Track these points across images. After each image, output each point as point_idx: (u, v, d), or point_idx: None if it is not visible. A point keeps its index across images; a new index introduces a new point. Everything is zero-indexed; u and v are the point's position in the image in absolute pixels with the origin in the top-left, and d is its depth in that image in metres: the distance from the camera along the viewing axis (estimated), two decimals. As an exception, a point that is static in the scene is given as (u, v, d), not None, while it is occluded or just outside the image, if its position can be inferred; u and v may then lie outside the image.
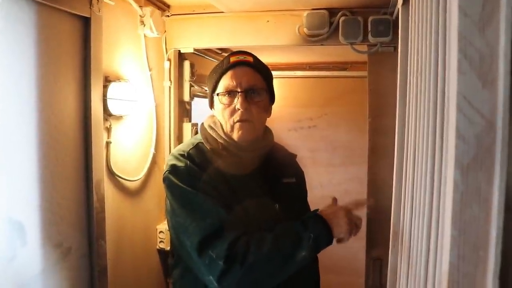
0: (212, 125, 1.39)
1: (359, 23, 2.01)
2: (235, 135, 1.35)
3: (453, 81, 0.67)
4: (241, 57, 1.37)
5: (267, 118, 1.45)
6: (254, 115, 1.34)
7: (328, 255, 3.81)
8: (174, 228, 1.29)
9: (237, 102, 1.32)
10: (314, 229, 1.23)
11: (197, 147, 1.35)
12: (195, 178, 1.26)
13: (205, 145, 1.36)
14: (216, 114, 1.40)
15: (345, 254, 3.45)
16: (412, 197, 1.15)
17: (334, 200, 1.42)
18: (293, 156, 1.58)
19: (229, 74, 1.34)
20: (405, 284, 1.18)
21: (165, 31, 2.27)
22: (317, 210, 1.35)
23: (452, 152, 0.67)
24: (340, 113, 3.48)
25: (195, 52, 2.40)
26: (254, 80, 1.35)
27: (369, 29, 1.99)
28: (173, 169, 1.28)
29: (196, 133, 1.48)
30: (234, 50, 2.95)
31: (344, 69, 3.46)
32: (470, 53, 0.66)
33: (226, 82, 1.34)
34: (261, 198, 1.34)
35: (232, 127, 1.34)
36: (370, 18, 1.99)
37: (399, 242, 1.33)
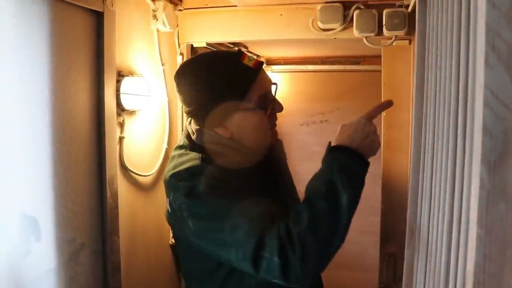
0: (233, 145, 1.24)
1: (374, 16, 1.98)
2: (273, 139, 1.30)
3: (480, 74, 0.65)
4: (253, 58, 1.25)
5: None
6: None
7: (340, 251, 3.79)
8: (208, 248, 1.14)
9: (275, 105, 1.26)
10: (338, 163, 1.08)
11: (203, 165, 1.18)
12: (216, 186, 1.13)
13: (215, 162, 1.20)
14: (242, 128, 1.23)
15: (356, 249, 3.43)
16: (430, 193, 1.12)
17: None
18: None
19: (260, 80, 1.22)
20: (422, 281, 1.16)
21: (178, 26, 2.26)
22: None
23: (478, 148, 0.65)
24: (353, 108, 3.44)
25: (207, 46, 2.38)
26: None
27: (384, 22, 1.95)
28: (188, 191, 1.13)
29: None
30: (247, 44, 2.96)
31: (357, 63, 3.43)
32: (498, 46, 0.63)
33: (261, 90, 1.22)
34: (274, 193, 1.29)
35: (268, 134, 1.27)
36: (385, 11, 1.96)
37: (415, 239, 1.31)
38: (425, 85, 1.29)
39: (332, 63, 3.46)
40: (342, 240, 1.07)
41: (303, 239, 1.01)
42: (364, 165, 1.11)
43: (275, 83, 1.33)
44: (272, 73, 3.61)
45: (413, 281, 1.33)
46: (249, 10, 2.18)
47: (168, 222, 1.28)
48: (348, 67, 3.41)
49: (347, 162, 1.08)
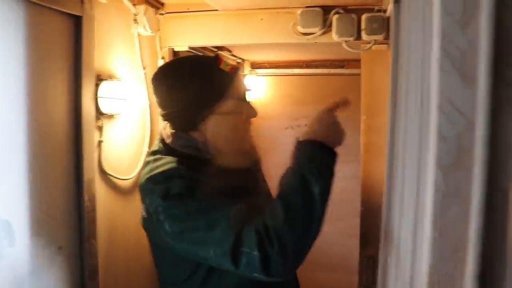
0: (207, 149, 1.26)
1: (353, 20, 2.00)
2: (249, 144, 1.32)
3: (435, 79, 0.67)
4: (230, 63, 1.27)
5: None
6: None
7: (324, 253, 3.82)
8: (186, 249, 1.16)
9: (251, 110, 1.29)
10: (307, 156, 1.12)
11: (178, 167, 1.20)
12: (191, 187, 1.15)
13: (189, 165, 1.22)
14: (216, 133, 1.25)
15: (341, 251, 3.45)
16: (401, 197, 1.14)
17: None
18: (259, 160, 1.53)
19: (236, 85, 1.25)
20: (393, 284, 1.18)
21: (159, 30, 2.26)
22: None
23: (433, 152, 0.66)
24: (337, 111, 3.46)
25: (190, 50, 2.39)
26: None
27: (363, 27, 1.98)
28: (164, 193, 1.15)
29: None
30: (231, 48, 2.97)
31: (341, 67, 3.46)
32: (452, 52, 0.65)
33: (236, 94, 1.25)
34: (250, 194, 1.30)
35: (243, 139, 1.29)
36: (364, 16, 1.98)
37: (388, 241, 1.32)
38: (398, 89, 1.31)
39: (316, 66, 3.49)
40: (318, 230, 1.10)
41: (280, 233, 1.04)
42: (332, 155, 1.15)
43: (250, 89, 1.35)
44: (257, 76, 3.62)
45: (385, 284, 1.35)
46: (230, 14, 2.20)
47: (144, 228, 1.28)
48: (332, 70, 3.44)
49: (315, 154, 1.12)
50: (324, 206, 1.10)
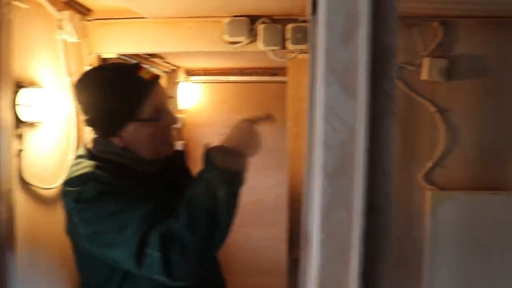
0: (127, 154, 1.29)
1: (279, 30, 2.06)
2: (168, 151, 1.35)
3: (320, 92, 0.71)
4: (150, 72, 1.30)
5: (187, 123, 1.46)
6: (171, 129, 1.37)
7: (259, 258, 3.85)
8: (100, 251, 1.18)
9: (171, 118, 1.32)
10: (214, 161, 1.15)
11: (95, 171, 1.21)
12: (104, 190, 1.17)
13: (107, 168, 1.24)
14: (135, 139, 1.27)
15: (274, 256, 3.51)
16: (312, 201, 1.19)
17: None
18: (182, 153, 1.58)
19: (155, 93, 1.27)
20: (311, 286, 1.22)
21: (86, 36, 2.23)
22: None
23: (319, 159, 0.70)
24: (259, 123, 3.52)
25: (121, 57, 2.37)
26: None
27: (288, 36, 2.04)
28: (78, 196, 1.17)
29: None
30: (163, 55, 2.96)
31: (275, 74, 3.53)
32: (335, 66, 0.69)
33: (155, 102, 1.27)
34: (169, 200, 1.33)
35: (164, 145, 1.33)
36: (289, 26, 2.05)
37: (306, 243, 1.37)
38: (313, 97, 1.37)
39: (250, 74, 3.54)
40: (223, 235, 1.15)
41: (182, 236, 1.08)
42: (241, 162, 1.20)
43: (171, 97, 1.38)
44: (192, 83, 3.63)
45: (305, 285, 1.39)
46: (159, 22, 2.20)
47: (66, 233, 1.30)
48: (266, 78, 3.50)
49: (223, 160, 1.16)
50: (231, 211, 1.15)
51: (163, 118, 1.30)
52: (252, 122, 1.28)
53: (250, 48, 2.11)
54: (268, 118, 1.33)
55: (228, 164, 1.16)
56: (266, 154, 3.56)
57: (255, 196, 3.58)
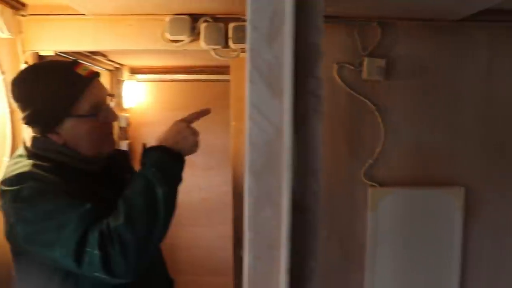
0: (66, 151, 1.27)
1: (220, 29, 2.05)
2: (106, 149, 1.33)
3: (247, 91, 0.71)
4: (88, 68, 1.30)
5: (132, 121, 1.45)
6: (112, 126, 1.36)
7: (209, 257, 3.84)
8: (38, 251, 1.16)
9: (108, 115, 1.30)
10: (151, 160, 1.19)
11: (32, 170, 1.19)
12: (43, 189, 1.15)
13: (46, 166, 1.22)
14: (74, 136, 1.26)
15: (224, 255, 3.50)
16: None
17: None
18: (127, 153, 1.60)
19: (91, 89, 1.26)
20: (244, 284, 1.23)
21: (21, 32, 2.14)
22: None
23: (246, 158, 0.70)
24: (218, 117, 3.51)
25: (60, 55, 2.29)
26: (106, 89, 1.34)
27: (230, 35, 2.04)
28: (15, 195, 1.15)
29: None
30: (105, 53, 2.89)
31: (221, 73, 3.51)
32: (260, 65, 0.70)
33: (92, 99, 1.26)
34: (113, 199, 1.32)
35: (102, 142, 1.31)
36: (231, 25, 2.04)
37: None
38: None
39: (197, 72, 3.52)
40: (162, 233, 1.17)
41: (120, 233, 1.09)
42: (178, 161, 1.23)
43: (111, 94, 1.36)
44: (137, 82, 3.57)
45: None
46: (99, 19, 2.14)
47: (5, 237, 1.24)
48: (212, 76, 3.49)
49: (161, 159, 1.20)
50: (169, 208, 1.17)
51: (101, 115, 1.29)
52: (188, 121, 1.31)
53: (192, 46, 2.09)
54: (203, 112, 1.35)
55: (165, 163, 1.19)
56: (213, 152, 3.57)
57: (203, 194, 3.57)
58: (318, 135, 0.73)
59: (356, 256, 2.23)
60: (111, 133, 1.36)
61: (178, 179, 1.22)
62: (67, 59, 2.26)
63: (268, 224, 0.71)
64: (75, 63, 1.30)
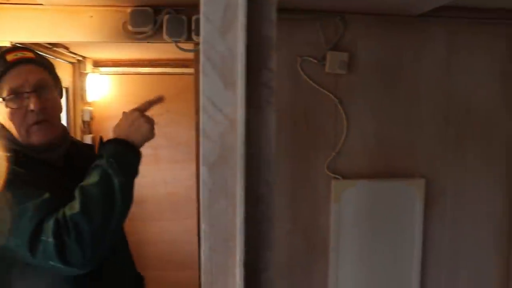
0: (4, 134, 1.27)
1: (183, 21, 2.03)
2: (35, 139, 1.27)
3: (200, 83, 0.71)
4: (19, 54, 1.27)
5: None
6: (50, 113, 1.29)
7: (176, 251, 3.82)
8: None
9: (30, 103, 1.24)
10: (107, 152, 1.21)
11: None
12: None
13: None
14: (2, 120, 1.27)
15: (191, 249, 3.49)
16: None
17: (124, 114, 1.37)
18: (92, 147, 1.58)
19: (11, 74, 1.24)
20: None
21: (-25, 22, 2.07)
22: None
23: (200, 150, 0.70)
24: (182, 110, 3.50)
25: (20, 46, 2.22)
26: (41, 76, 1.29)
27: (193, 27, 2.02)
28: None
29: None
30: (67, 44, 2.83)
31: (187, 66, 3.49)
32: (213, 56, 0.70)
33: (10, 83, 1.24)
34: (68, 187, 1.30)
35: (28, 131, 1.26)
36: (194, 17, 2.03)
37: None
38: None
39: (161, 65, 3.49)
40: (118, 223, 1.19)
41: (76, 222, 1.11)
42: (133, 152, 1.25)
43: (44, 83, 1.31)
44: (101, 75, 3.51)
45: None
46: (58, 9, 2.09)
47: None
48: (177, 70, 3.46)
49: (116, 150, 1.22)
50: (126, 198, 1.19)
51: (20, 102, 1.25)
52: (140, 110, 1.32)
53: (155, 39, 2.07)
54: (156, 100, 1.39)
55: (121, 154, 1.22)
56: (179, 146, 3.56)
57: (168, 188, 3.56)
58: (271, 126, 0.73)
59: (320, 247, 2.26)
60: (37, 123, 1.28)
61: (134, 170, 1.24)
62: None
63: (223, 216, 0.71)
64: (9, 49, 1.30)
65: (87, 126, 3.42)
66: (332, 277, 2.26)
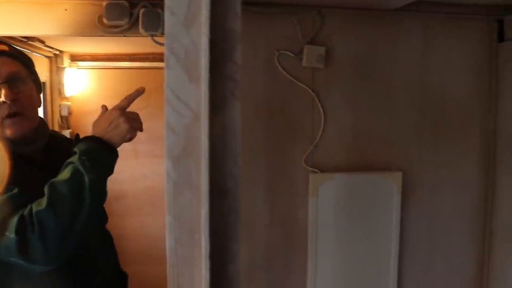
0: None
1: (160, 15, 2.02)
2: (8, 132, 1.26)
3: (164, 76, 0.71)
4: None
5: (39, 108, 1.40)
6: (24, 106, 1.27)
7: (157, 246, 3.82)
8: None
9: (1, 94, 1.23)
10: (81, 149, 1.19)
11: None
12: None
13: None
14: None
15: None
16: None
17: (103, 107, 1.37)
18: (72, 141, 1.55)
19: None
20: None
21: None
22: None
23: (165, 143, 0.71)
24: (161, 104, 3.45)
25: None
26: (14, 69, 1.27)
27: (169, 21, 2.01)
28: None
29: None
30: (43, 38, 2.79)
31: (165, 60, 3.47)
32: (177, 50, 0.70)
33: None
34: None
35: (2, 124, 1.25)
36: (170, 11, 2.01)
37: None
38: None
39: (141, 60, 3.46)
40: (87, 221, 1.16)
41: (41, 218, 1.09)
42: (108, 151, 1.22)
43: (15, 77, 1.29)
44: (79, 69, 3.47)
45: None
46: (32, 2, 2.06)
47: None
48: (156, 64, 3.44)
49: (90, 148, 1.20)
50: (96, 197, 1.17)
51: None
52: (120, 108, 1.30)
53: (131, 33, 2.05)
54: (136, 94, 1.39)
55: (95, 152, 1.19)
56: (157, 140, 3.54)
57: (148, 183, 3.55)
58: (237, 119, 0.74)
59: (298, 241, 2.28)
60: (10, 116, 1.26)
61: (107, 169, 1.23)
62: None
63: (188, 208, 0.71)
64: None
65: (65, 121, 3.39)
66: (311, 269, 2.28)
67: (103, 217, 1.53)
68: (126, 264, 1.66)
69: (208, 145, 0.70)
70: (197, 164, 0.71)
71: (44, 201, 1.12)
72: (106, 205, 1.62)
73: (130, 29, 2.05)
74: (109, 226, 1.60)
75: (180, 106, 0.70)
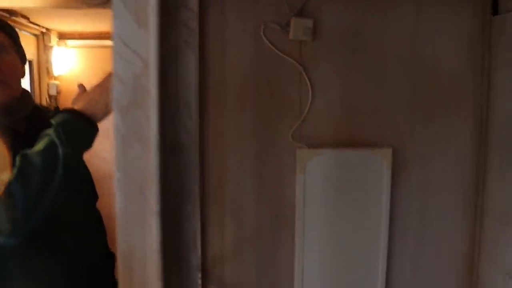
0: None
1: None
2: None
3: (112, 24, 0.67)
4: None
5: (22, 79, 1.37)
6: (6, 75, 1.25)
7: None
8: None
9: None
10: (57, 121, 1.16)
11: None
12: None
13: None
14: None
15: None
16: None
17: (80, 86, 1.32)
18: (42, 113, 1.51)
19: None
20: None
21: None
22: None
23: (113, 94, 0.66)
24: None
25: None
26: None
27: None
28: None
29: None
30: (29, 15, 2.74)
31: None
32: (125, -6, 0.65)
33: None
34: None
35: None
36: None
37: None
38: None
39: (130, 38, 3.40)
40: (58, 194, 1.13)
41: (9, 187, 1.07)
42: (87, 125, 1.18)
43: None
44: (68, 48, 3.42)
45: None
46: (11, -27, 2.01)
47: None
48: (146, 42, 3.39)
49: (67, 121, 1.16)
50: (69, 170, 1.14)
51: None
52: (101, 84, 1.25)
53: (110, 5, 2.00)
54: None
55: (72, 125, 1.16)
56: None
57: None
58: (191, 68, 0.70)
59: (286, 217, 2.24)
60: None
61: (85, 143, 1.19)
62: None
63: (137, 163, 0.67)
64: None
65: (54, 100, 3.34)
66: (299, 247, 2.25)
67: (94, 196, 1.52)
68: (114, 243, 1.63)
69: (158, 95, 0.66)
70: (146, 115, 0.66)
71: (14, 171, 1.09)
72: (95, 185, 1.60)
73: (108, 1, 1.99)
74: (99, 205, 1.57)
75: (128, 53, 0.65)
